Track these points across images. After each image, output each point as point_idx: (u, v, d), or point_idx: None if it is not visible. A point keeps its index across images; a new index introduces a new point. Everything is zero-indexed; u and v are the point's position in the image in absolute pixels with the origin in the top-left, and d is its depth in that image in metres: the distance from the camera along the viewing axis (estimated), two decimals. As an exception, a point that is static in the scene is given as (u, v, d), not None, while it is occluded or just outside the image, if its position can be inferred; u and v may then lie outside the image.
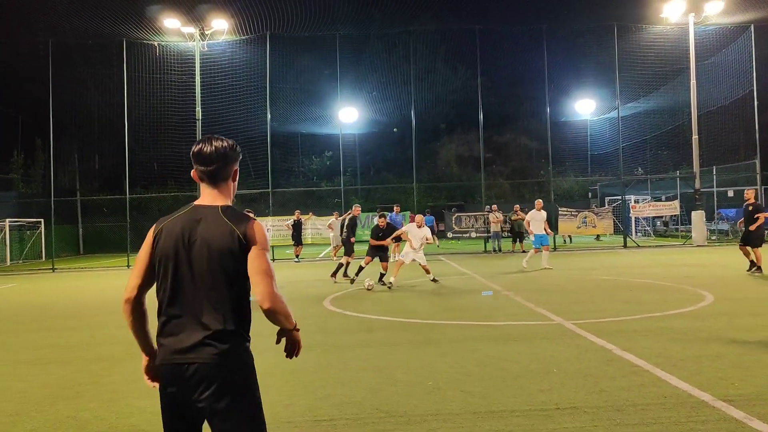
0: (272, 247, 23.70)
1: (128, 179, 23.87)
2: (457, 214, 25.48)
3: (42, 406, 5.17)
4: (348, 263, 14.51)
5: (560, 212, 30.39)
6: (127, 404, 5.10)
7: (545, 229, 15.75)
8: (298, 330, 2.67)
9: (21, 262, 27.85)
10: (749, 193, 13.59)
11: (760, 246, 13.15)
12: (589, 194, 36.40)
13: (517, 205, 23.24)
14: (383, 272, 13.01)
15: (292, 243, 22.22)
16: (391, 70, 32.27)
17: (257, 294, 2.46)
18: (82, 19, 24.13)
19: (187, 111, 23.97)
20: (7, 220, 27.31)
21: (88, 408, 5.04)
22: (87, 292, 14.77)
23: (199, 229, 2.43)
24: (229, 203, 2.58)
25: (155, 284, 2.49)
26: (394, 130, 38.40)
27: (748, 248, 13.04)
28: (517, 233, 22.67)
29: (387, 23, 34.11)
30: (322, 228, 24.06)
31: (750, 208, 13.24)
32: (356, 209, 15.59)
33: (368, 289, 12.27)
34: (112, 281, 17.55)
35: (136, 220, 31.41)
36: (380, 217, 13.61)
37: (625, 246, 23.58)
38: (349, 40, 26.07)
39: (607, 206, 29.14)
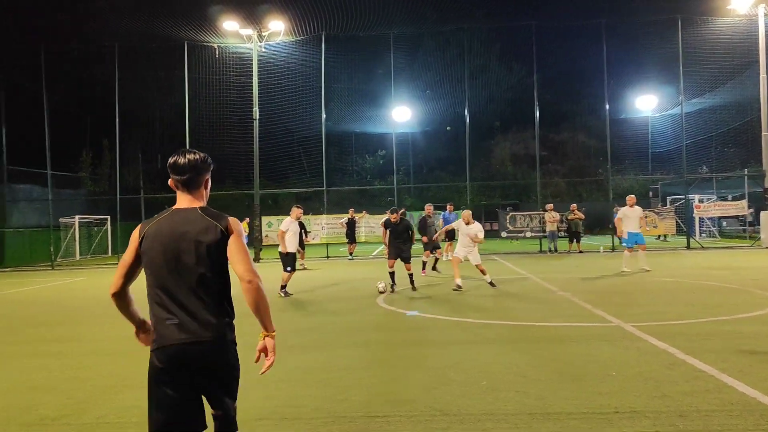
0: (326, 244, 24.01)
1: (188, 178, 24.58)
2: (511, 214, 25.12)
3: (108, 394, 5.40)
4: (436, 258, 15.74)
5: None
6: (188, 395, 5.26)
7: (640, 227, 14.56)
8: (272, 336, 2.93)
9: (89, 256, 29.17)
10: None
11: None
12: (650, 193, 35.21)
13: (574, 204, 22.72)
14: (410, 272, 12.17)
15: (346, 241, 22.41)
16: (445, 69, 32.07)
17: (239, 271, 2.76)
18: (147, 23, 25.06)
19: (244, 111, 24.52)
20: (77, 216, 28.67)
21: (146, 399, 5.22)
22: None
23: (185, 227, 2.76)
24: (204, 205, 2.93)
25: (147, 280, 2.81)
26: (448, 128, 38.21)
27: None
28: (574, 233, 22.17)
29: (440, 21, 33.94)
30: (375, 226, 24.17)
31: None
32: (428, 208, 15.97)
33: (381, 293, 11.66)
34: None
35: (196, 217, 32.35)
36: (391, 212, 12.41)
37: (688, 247, 22.70)
38: (402, 39, 26.06)
39: (669, 206, 28.11)
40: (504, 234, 24.97)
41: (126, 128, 25.62)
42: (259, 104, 23.51)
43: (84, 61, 27.81)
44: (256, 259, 22.67)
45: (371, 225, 24.48)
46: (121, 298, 2.89)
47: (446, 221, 20.60)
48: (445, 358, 6.32)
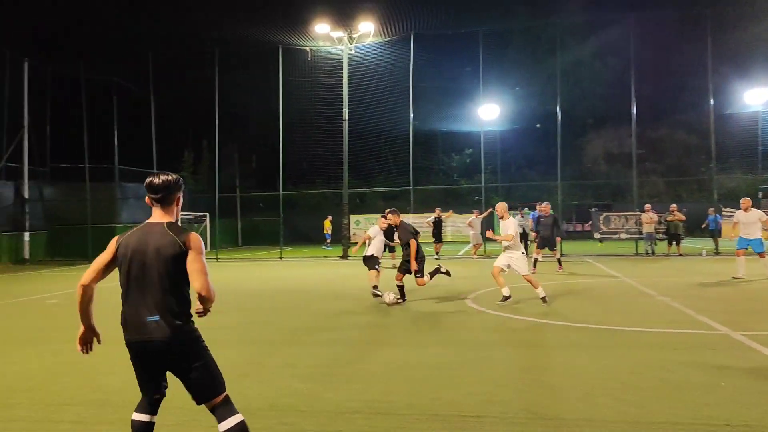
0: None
1: (282, 177, 25.49)
2: (605, 214, 24.17)
3: (245, 389, 5.71)
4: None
5: (724, 213, 27.69)
6: (287, 385, 5.48)
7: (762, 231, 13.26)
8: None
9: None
10: None
11: None
12: (759, 194, 32.75)
13: (674, 205, 21.51)
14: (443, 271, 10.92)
15: (432, 240, 22.41)
16: (535, 65, 31.39)
17: (195, 286, 3.17)
18: (245, 29, 26.17)
19: (334, 112, 25.08)
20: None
21: (252, 386, 5.49)
22: (246, 280, 16.03)
23: (151, 240, 3.21)
24: (173, 220, 3.35)
25: (120, 281, 3.30)
26: (537, 126, 37.27)
27: None
28: (673, 235, 21.01)
29: (531, 17, 33.20)
30: (462, 226, 24.02)
31: None
32: (545, 207, 16.30)
33: (388, 305, 10.24)
34: (267, 271, 18.89)
35: (288, 215, 33.51)
36: (391, 213, 11.18)
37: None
38: (492, 36, 25.72)
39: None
40: (597, 235, 24.08)
41: (224, 130, 26.89)
42: (348, 105, 23.96)
43: (187, 66, 29.45)
44: (344, 256, 23.13)
45: (458, 224, 24.38)
46: (86, 292, 3.30)
47: (535, 222, 20.18)
48: (538, 361, 6.21)
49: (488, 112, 30.60)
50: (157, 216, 3.34)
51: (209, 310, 3.28)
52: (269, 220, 32.96)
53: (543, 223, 16.13)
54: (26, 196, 25.62)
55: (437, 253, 22.36)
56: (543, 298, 9.97)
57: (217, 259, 24.85)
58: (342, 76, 23.91)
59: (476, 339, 7.48)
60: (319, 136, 27.62)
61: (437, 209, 22.54)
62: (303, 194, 34.15)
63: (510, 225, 10.31)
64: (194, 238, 3.24)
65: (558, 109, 23.74)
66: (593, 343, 7.11)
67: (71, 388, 5.56)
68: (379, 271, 11.54)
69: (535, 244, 17.57)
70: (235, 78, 30.70)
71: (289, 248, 29.41)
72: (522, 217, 21.55)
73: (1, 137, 24.41)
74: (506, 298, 10.07)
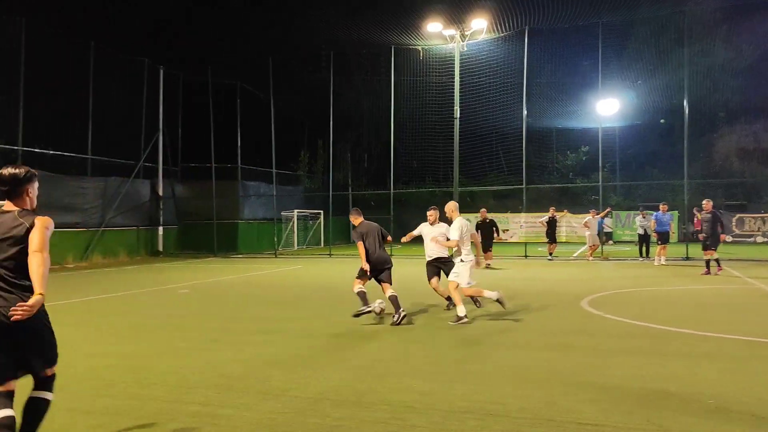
0: (525, 243, 23.53)
1: (392, 176, 25.83)
2: (738, 215, 22.26)
3: (327, 373, 5.90)
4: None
5: None
6: (398, 381, 5.55)
7: None
8: (42, 295, 3.33)
9: (305, 247, 32.13)
10: None
11: None
12: None
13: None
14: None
15: (546, 240, 21.74)
16: (659, 56, 29.44)
17: (32, 245, 3.43)
18: (358, 30, 26.84)
19: (445, 110, 25.04)
20: (295, 210, 31.80)
21: (365, 380, 5.61)
22: (349, 278, 16.38)
23: (4, 225, 3.53)
24: (26, 208, 3.64)
25: None
26: (662, 121, 35.01)
27: None
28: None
29: (656, 5, 31.19)
30: (577, 226, 23.12)
31: None
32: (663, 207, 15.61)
33: (377, 313, 9.04)
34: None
35: (398, 213, 33.89)
36: (353, 212, 9.88)
37: None
38: (612, 28, 24.46)
39: None
40: (728, 239, 22.22)
41: (337, 130, 27.69)
42: (459, 103, 23.82)
43: (303, 70, 30.65)
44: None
45: (573, 225, 23.47)
46: None
47: (660, 222, 19.01)
48: (660, 370, 5.84)
49: (607, 108, 29.17)
50: (9, 205, 3.63)
51: (32, 307, 3.27)
52: (380, 218, 33.51)
53: (704, 219, 15.48)
54: (160, 193, 27.86)
55: (551, 254, 21.68)
56: (449, 307, 9.14)
57: (330, 255, 25.66)
58: (453, 74, 23.81)
59: (593, 345, 7.17)
60: (430, 135, 27.72)
61: (551, 208, 21.84)
62: (413, 193, 34.40)
63: (455, 228, 8.76)
64: (40, 220, 3.51)
65: (686, 102, 22.16)
66: (720, 353, 6.58)
67: (199, 373, 5.97)
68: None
69: (658, 246, 16.61)
70: (349, 79, 31.55)
71: (399, 246, 29.73)
72: (644, 217, 20.38)
73: (140, 139, 26.71)
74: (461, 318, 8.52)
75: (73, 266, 21.08)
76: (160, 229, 27.45)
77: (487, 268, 18.04)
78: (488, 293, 8.81)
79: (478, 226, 18.89)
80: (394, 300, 8.70)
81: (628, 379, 5.54)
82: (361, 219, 9.53)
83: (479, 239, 10.17)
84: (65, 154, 23.14)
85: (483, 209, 19.91)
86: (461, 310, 8.58)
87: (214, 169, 28.05)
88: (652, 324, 8.37)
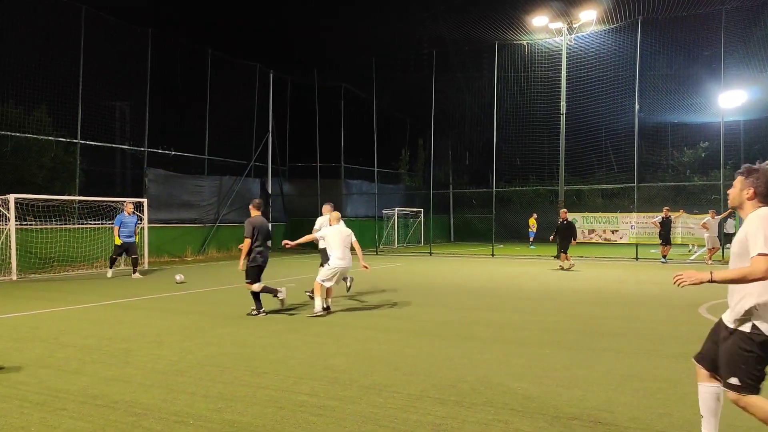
0: (636, 244, 22.36)
1: (494, 174, 25.45)
2: None
3: (429, 371, 5.93)
4: None
5: None
6: (500, 383, 5.47)
7: None
8: None
9: (405, 245, 32.41)
10: None
11: None
12: None
13: None
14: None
15: (659, 242, 20.54)
16: (792, 42, 26.81)
17: None
18: (461, 28, 26.66)
19: (550, 106, 24.32)
20: (396, 208, 32.15)
21: (467, 380, 5.58)
22: (459, 276, 16.33)
23: None
24: None
25: None
26: (794, 113, 31.92)
27: None
28: None
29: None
30: (694, 227, 21.66)
31: None
32: None
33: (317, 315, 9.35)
34: (479, 268, 19.04)
35: (499, 211, 33.32)
36: (253, 206, 10.19)
37: None
38: (736, 14, 22.64)
39: None
40: None
41: (439, 129, 27.67)
42: (566, 98, 23.04)
43: (406, 69, 30.89)
44: (557, 256, 22.25)
45: (690, 225, 22.02)
46: None
47: None
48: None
49: (730, 100, 27.05)
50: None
51: None
52: (481, 216, 33.17)
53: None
54: (269, 191, 29.15)
55: (664, 256, 20.46)
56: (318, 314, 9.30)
57: (430, 253, 25.71)
58: (560, 69, 23.07)
59: (713, 354, 6.68)
60: (534, 132, 27.02)
61: (665, 209, 20.62)
62: (516, 191, 33.71)
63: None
64: None
65: (823, 92, 20.10)
66: None
67: (306, 365, 6.21)
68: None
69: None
70: (451, 77, 31.36)
71: (501, 245, 29.26)
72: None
73: (251, 140, 28.09)
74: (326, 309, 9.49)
75: (191, 259, 22.53)
76: (270, 225, 28.70)
77: (560, 269, 17.64)
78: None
79: (557, 228, 18.39)
80: (265, 289, 9.59)
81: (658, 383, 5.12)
82: (257, 213, 9.97)
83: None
84: (185, 154, 24.79)
85: (563, 210, 19.14)
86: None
87: (319, 168, 28.95)
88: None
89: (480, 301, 11.23)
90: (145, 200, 19.63)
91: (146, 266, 18.58)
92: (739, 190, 3.60)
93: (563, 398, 5.00)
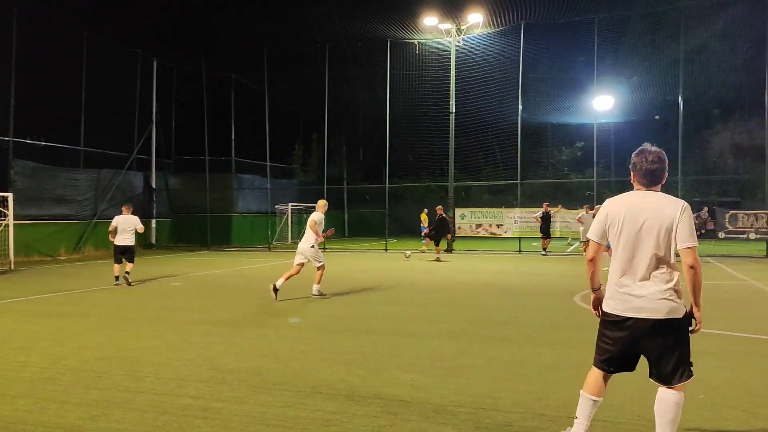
0: (519, 238, 23.56)
1: (387, 170, 25.79)
2: (731, 212, 22.35)
3: (320, 367, 5.89)
4: None
5: None
6: (391, 375, 5.54)
7: None
8: None
9: (299, 241, 32.05)
10: None
11: None
12: None
13: (814, 203, 19.52)
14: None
15: (541, 236, 21.78)
16: (655, 52, 29.43)
17: None
18: (355, 24, 26.72)
19: (441, 105, 24.99)
20: (289, 204, 31.73)
21: (358, 374, 5.60)
22: (353, 271, 16.40)
23: None
24: None
25: None
26: (656, 117, 35.03)
27: None
28: (813, 236, 19.08)
29: (652, 1, 31.18)
30: (571, 222, 23.17)
31: None
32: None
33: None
34: (373, 262, 19.24)
35: (393, 207, 33.80)
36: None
37: None
38: (608, 23, 24.44)
39: None
40: (722, 235, 22.31)
41: (333, 123, 27.59)
42: (455, 97, 23.78)
43: (299, 62, 30.50)
44: (449, 250, 23.03)
45: (567, 220, 23.52)
46: None
47: None
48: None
49: (602, 104, 29.21)
50: None
51: None
52: (375, 211, 33.53)
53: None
54: (153, 185, 27.73)
55: (545, 249, 21.72)
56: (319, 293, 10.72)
57: (324, 248, 25.59)
58: (450, 69, 23.75)
59: (587, 340, 7.12)
60: (426, 129, 27.67)
61: (545, 204, 21.88)
62: (409, 187, 34.38)
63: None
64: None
65: (680, 98, 22.23)
66: (719, 350, 6.59)
67: (191, 366, 5.94)
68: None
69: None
70: (345, 72, 31.39)
71: (394, 240, 29.74)
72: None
73: (133, 131, 26.54)
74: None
75: (65, 258, 20.96)
76: (153, 221, 27.32)
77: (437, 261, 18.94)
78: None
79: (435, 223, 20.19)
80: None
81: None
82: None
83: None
84: (57, 145, 22.97)
85: (439, 207, 20.73)
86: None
87: (208, 161, 27.92)
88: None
89: (373, 295, 11.33)
90: (10, 195, 17.88)
91: (12, 266, 17.04)
92: None
93: (450, 387, 5.14)
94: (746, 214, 21.92)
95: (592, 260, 3.73)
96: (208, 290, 12.34)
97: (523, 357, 6.27)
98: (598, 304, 3.78)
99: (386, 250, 24.47)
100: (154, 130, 27.69)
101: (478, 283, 13.15)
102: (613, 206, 3.71)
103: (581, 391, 3.77)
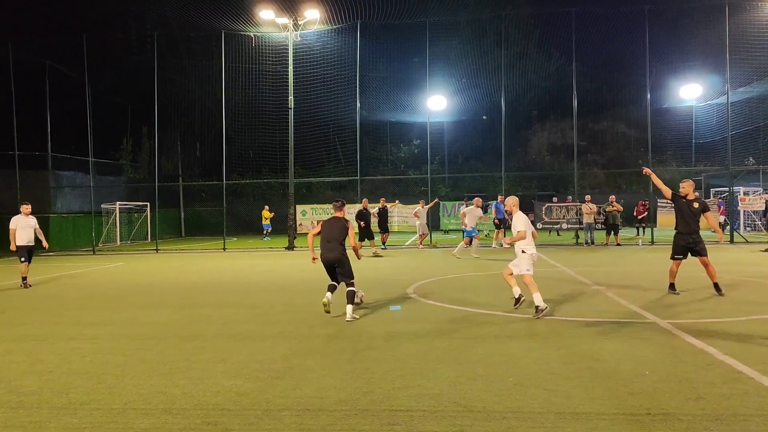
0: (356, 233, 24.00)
1: (225, 166, 24.90)
2: (547, 205, 24.70)
3: (137, 380, 5.48)
4: None
5: (659, 204, 28.78)
6: (215, 383, 5.31)
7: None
8: None
9: (129, 242, 29.87)
10: None
11: None
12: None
13: (613, 196, 22.20)
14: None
15: (379, 230, 22.35)
16: (482, 57, 31.60)
17: None
18: (187, 12, 25.33)
19: (280, 100, 24.63)
20: (117, 203, 29.39)
21: (179, 384, 5.29)
22: (187, 273, 15.59)
23: None
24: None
25: None
26: (484, 117, 37.67)
27: None
28: (612, 225, 21.70)
29: (478, 8, 33.39)
30: (408, 216, 24.09)
31: None
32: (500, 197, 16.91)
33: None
34: (209, 262, 18.45)
35: (232, 204, 32.78)
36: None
37: (732, 241, 21.97)
38: (439, 27, 25.72)
39: (712, 198, 27.26)
40: (539, 225, 24.57)
41: (165, 117, 26.02)
42: (294, 93, 23.59)
43: (125, 50, 28.31)
44: (290, 247, 22.83)
45: (404, 214, 24.43)
46: None
47: (498, 211, 21.06)
48: (474, 352, 6.22)
49: (435, 103, 30.75)
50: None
51: None
52: (213, 209, 32.25)
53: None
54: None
55: (384, 243, 22.35)
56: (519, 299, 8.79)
57: (157, 250, 24.12)
58: (288, 64, 23.49)
59: (415, 331, 7.44)
60: (266, 124, 27.12)
61: (381, 199, 22.51)
62: (249, 183, 33.54)
63: (519, 221, 8.47)
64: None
65: (503, 101, 24.03)
66: (529, 333, 7.20)
67: (-17, 390, 5.23)
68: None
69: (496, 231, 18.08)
70: (178, 63, 29.72)
71: (234, 239, 28.84)
72: (467, 206, 21.84)
73: None
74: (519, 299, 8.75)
75: None
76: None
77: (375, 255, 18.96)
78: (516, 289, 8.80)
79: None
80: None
81: (442, 363, 5.82)
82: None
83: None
84: None
85: (365, 200, 20.95)
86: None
87: (18, 156, 24.94)
88: (470, 308, 8.93)
89: (206, 298, 10.84)
90: None
91: None
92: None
93: (276, 391, 5.04)
94: (559, 207, 24.35)
95: None
96: (12, 302, 11.01)
97: (351, 354, 6.33)
98: None
99: (224, 249, 23.64)
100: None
101: (318, 281, 13.14)
102: None
103: None
